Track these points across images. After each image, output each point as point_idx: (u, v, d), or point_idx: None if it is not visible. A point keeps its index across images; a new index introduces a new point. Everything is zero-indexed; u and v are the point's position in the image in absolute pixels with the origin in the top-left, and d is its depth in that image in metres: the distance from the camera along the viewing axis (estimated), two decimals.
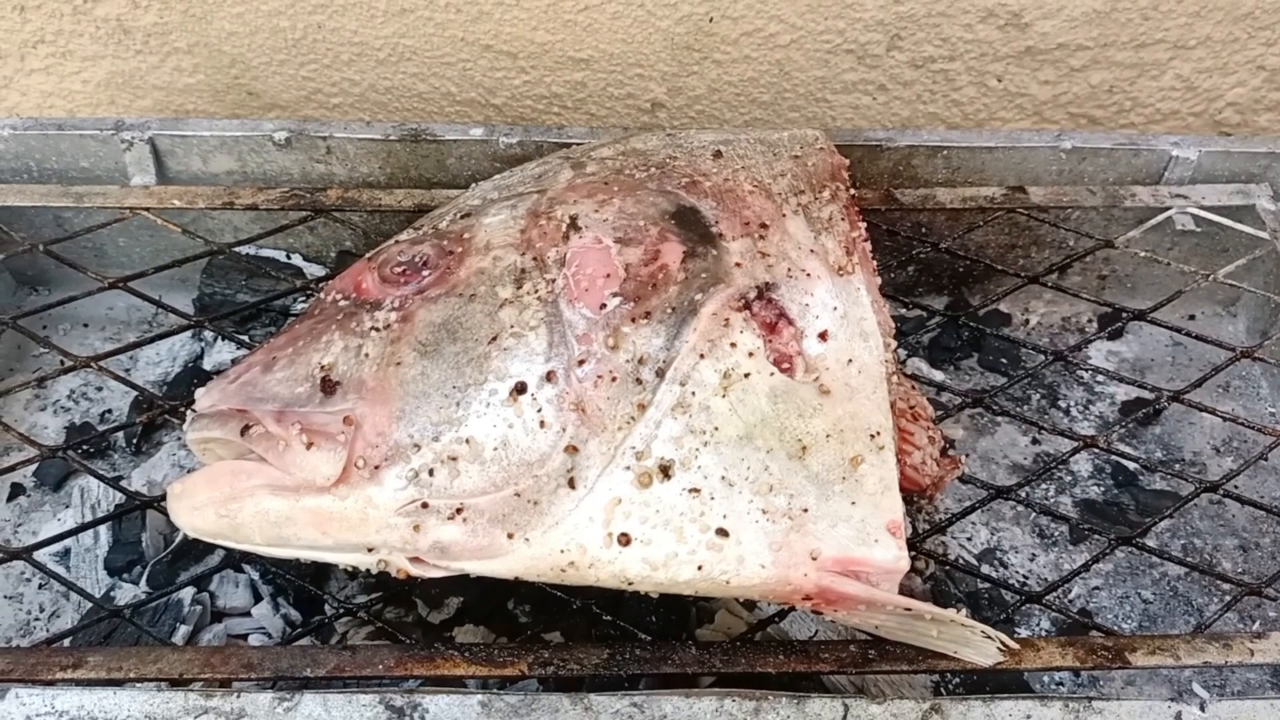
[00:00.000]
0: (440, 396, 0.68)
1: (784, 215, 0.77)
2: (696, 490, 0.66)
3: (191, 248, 0.93)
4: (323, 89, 1.19)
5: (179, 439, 0.99)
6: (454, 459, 0.67)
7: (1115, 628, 0.88)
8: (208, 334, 1.02)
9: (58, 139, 0.98)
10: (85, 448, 0.97)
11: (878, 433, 0.69)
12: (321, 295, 0.78)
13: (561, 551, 0.67)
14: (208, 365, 1.02)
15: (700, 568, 0.66)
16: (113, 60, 1.16)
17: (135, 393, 1.00)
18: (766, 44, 1.15)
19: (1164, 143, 0.99)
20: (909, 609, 0.67)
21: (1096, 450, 0.99)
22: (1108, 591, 0.92)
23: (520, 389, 0.68)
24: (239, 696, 0.65)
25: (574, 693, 0.66)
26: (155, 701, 0.65)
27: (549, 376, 0.68)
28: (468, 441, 0.67)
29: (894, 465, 0.68)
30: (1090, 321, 1.12)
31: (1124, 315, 0.90)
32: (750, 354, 0.69)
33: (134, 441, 0.97)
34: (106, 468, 0.96)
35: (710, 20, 1.13)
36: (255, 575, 0.85)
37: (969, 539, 0.95)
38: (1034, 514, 0.97)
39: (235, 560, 0.85)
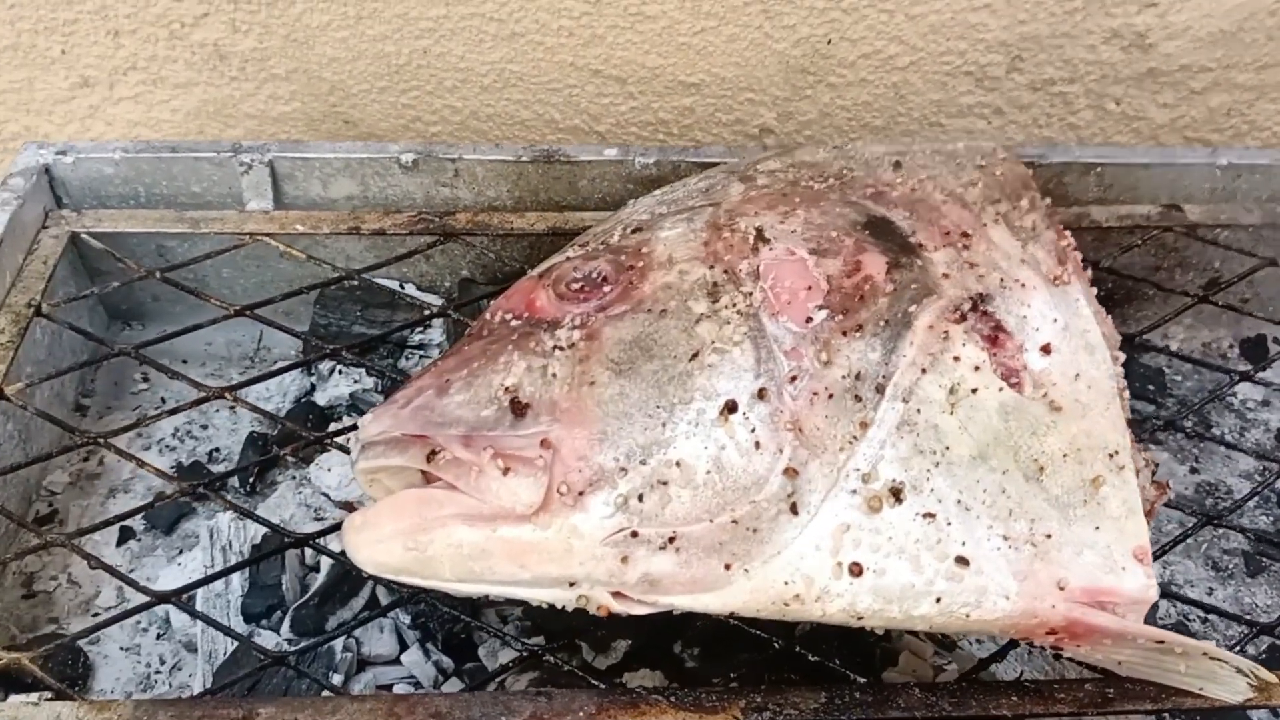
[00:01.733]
0: (644, 417, 0.63)
1: (984, 224, 0.72)
2: (931, 515, 0.61)
3: (308, 277, 0.88)
4: (422, 116, 1.15)
5: (294, 477, 0.93)
6: (664, 483, 0.62)
7: None
8: (323, 367, 0.97)
9: (170, 162, 0.93)
10: (200, 489, 0.91)
11: (1116, 451, 0.64)
12: (487, 316, 0.73)
13: (786, 583, 0.61)
14: (321, 400, 0.96)
15: (939, 600, 0.61)
16: (205, 87, 1.12)
17: (251, 429, 0.96)
18: (884, 66, 1.12)
19: None
20: (1161, 641, 0.62)
21: (1259, 476, 0.95)
22: None
23: (731, 407, 0.63)
24: None
25: None
26: None
27: (760, 394, 0.63)
28: (678, 464, 0.62)
29: (1136, 487, 0.64)
30: (1231, 347, 1.08)
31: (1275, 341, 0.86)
32: (976, 368, 0.65)
33: (250, 482, 0.91)
34: (219, 510, 0.90)
35: (829, 42, 1.10)
36: (406, 619, 0.78)
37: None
38: (1204, 546, 0.92)
39: (379, 603, 0.79)
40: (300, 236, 0.90)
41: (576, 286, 0.71)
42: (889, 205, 0.74)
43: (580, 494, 0.62)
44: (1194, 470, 0.98)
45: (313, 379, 0.98)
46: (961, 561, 0.61)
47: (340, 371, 0.96)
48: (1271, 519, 0.94)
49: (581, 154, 0.94)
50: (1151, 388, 1.02)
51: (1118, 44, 1.10)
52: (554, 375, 0.66)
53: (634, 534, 0.61)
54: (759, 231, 0.71)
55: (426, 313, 0.89)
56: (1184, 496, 0.95)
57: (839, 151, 0.82)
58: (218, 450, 0.96)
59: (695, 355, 0.65)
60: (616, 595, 0.63)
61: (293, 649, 0.67)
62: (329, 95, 1.13)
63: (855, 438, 0.63)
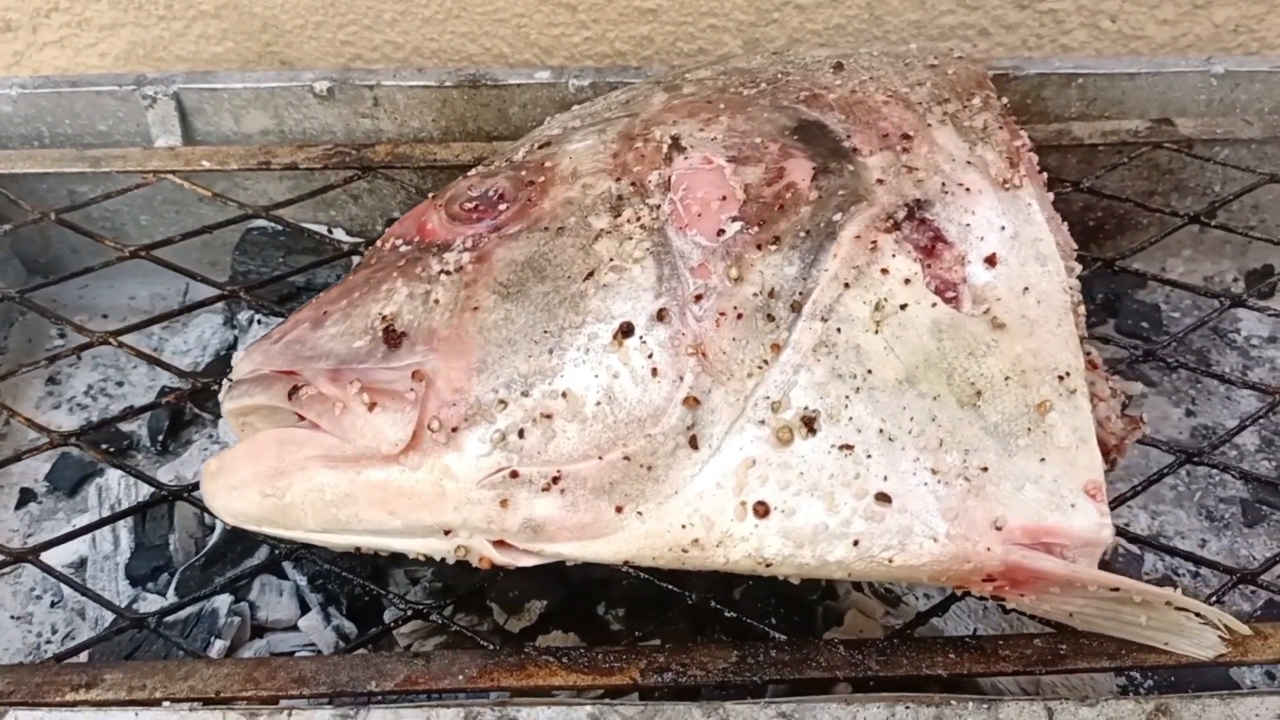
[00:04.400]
0: (529, 344, 0.56)
1: (929, 126, 0.64)
2: (849, 447, 0.54)
3: (224, 217, 0.82)
4: (363, 54, 1.08)
5: (211, 435, 0.87)
6: (548, 417, 0.55)
7: None
8: (242, 318, 0.90)
9: (72, 98, 0.87)
10: (106, 446, 0.85)
11: (1067, 373, 0.56)
12: (379, 244, 0.66)
13: (684, 527, 0.54)
14: None
15: (857, 542, 0.53)
16: (133, 28, 1.06)
17: (161, 384, 0.90)
18: None
19: None
20: (1116, 589, 0.54)
21: (1263, 421, 0.86)
22: None
23: (626, 331, 0.56)
24: (290, 716, 0.52)
25: (709, 701, 0.53)
26: None
27: (660, 315, 0.56)
28: (564, 395, 0.55)
29: (1089, 412, 0.55)
30: (1236, 281, 0.98)
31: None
32: (906, 281, 0.57)
33: (159, 439, 0.85)
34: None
35: None
36: (302, 581, 0.72)
37: (1126, 524, 0.81)
38: (1199, 494, 0.83)
39: (279, 564, 0.73)
40: (208, 174, 0.84)
41: (470, 206, 0.63)
42: (824, 109, 0.66)
43: (454, 430, 0.55)
44: (1190, 413, 0.89)
45: (235, 332, 0.92)
46: (883, 499, 0.53)
47: (260, 323, 0.89)
48: (1275, 463, 0.85)
49: (510, 77, 0.86)
50: (1145, 324, 0.93)
51: None
52: (436, 302, 0.59)
53: (514, 474, 0.54)
54: (675, 140, 0.64)
55: (334, 252, 0.82)
56: (1177, 442, 0.86)
57: (777, 57, 0.74)
58: (133, 408, 0.90)
59: (591, 274, 0.58)
60: (499, 545, 0.56)
61: (153, 611, 0.60)
62: (262, 33, 1.06)
63: (766, 362, 0.55)
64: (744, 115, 0.66)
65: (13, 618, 0.77)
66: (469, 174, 0.68)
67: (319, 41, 1.07)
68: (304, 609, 0.73)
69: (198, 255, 0.98)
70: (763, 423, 0.54)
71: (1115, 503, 0.69)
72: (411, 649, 0.70)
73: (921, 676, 0.57)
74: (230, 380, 0.61)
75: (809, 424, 0.54)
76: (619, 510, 0.54)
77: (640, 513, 0.54)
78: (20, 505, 0.83)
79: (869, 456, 0.54)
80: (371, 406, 0.55)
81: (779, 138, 0.63)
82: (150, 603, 0.71)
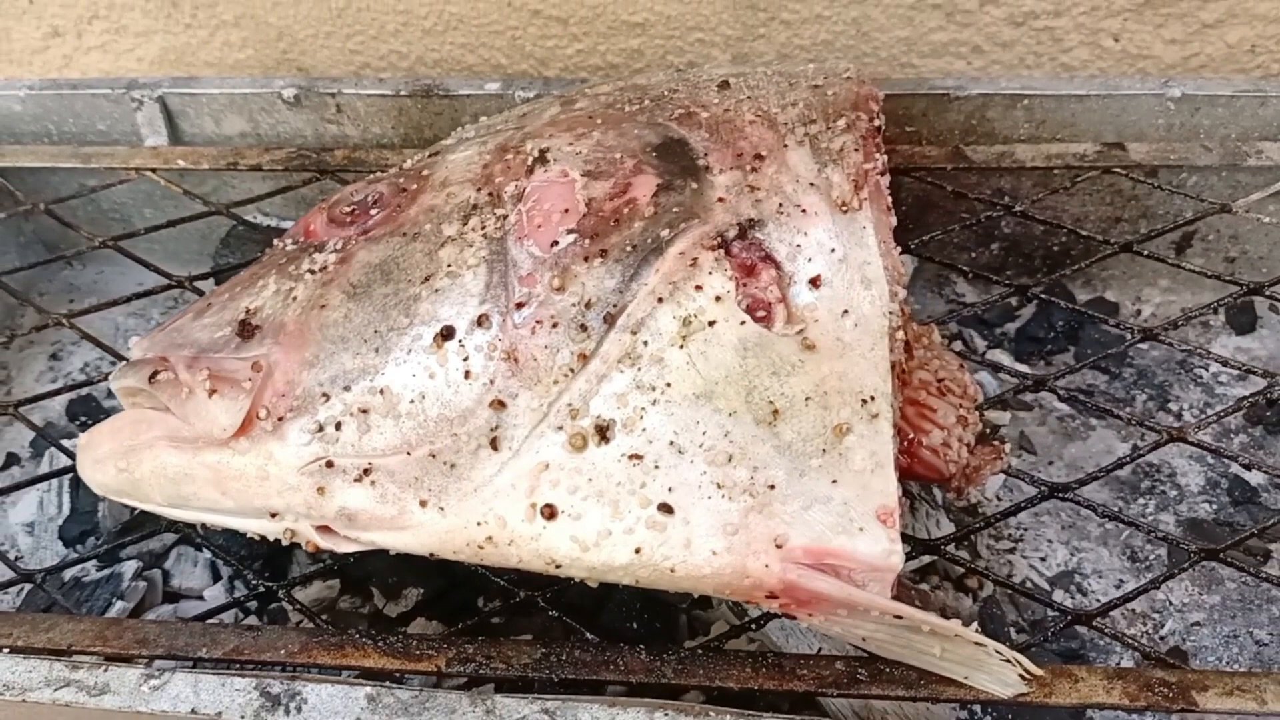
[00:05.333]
0: (359, 341, 0.59)
1: (785, 146, 0.65)
2: (639, 457, 0.55)
3: (190, 212, 0.88)
4: (371, 62, 1.13)
5: None
6: (365, 412, 0.58)
7: None
8: None
9: (72, 99, 0.95)
10: (84, 419, 0.92)
11: (871, 397, 0.56)
12: (276, 242, 0.71)
13: (479, 524, 0.56)
14: None
15: (639, 550, 0.54)
16: (164, 35, 1.14)
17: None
18: (839, 0, 1.03)
19: None
20: (900, 616, 0.53)
21: (1211, 459, 0.83)
22: (1211, 629, 0.75)
23: (447, 334, 0.58)
24: (106, 670, 0.57)
25: (475, 691, 0.55)
26: (17, 670, 0.57)
27: (481, 321, 0.58)
28: (382, 392, 0.58)
29: (889, 437, 0.55)
30: (1216, 313, 0.94)
31: (1242, 288, 0.74)
32: (718, 298, 0.58)
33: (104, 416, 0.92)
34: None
35: None
36: (206, 556, 0.77)
37: (1042, 559, 0.79)
38: (1125, 534, 0.80)
39: (184, 533, 0.78)
40: (182, 172, 0.90)
41: (348, 210, 0.67)
42: (692, 127, 0.67)
43: (280, 420, 0.59)
44: (1136, 448, 0.85)
45: None
46: (665, 509, 0.54)
47: None
48: (1216, 506, 0.81)
49: (462, 88, 0.90)
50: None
51: None
52: (294, 298, 0.63)
53: (329, 464, 0.58)
54: (542, 153, 0.66)
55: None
56: (1116, 478, 0.83)
57: (677, 75, 0.75)
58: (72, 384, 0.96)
59: (428, 279, 0.61)
60: (324, 530, 0.60)
61: (42, 569, 0.66)
62: (278, 41, 1.13)
63: (572, 370, 0.57)
64: (616, 131, 0.67)
65: None
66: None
67: (330, 50, 1.13)
68: (217, 578, 0.78)
69: (198, 247, 1.05)
70: (560, 429, 0.56)
71: (962, 535, 0.68)
72: (300, 624, 0.74)
73: (712, 688, 0.58)
74: (124, 362, 0.66)
75: (603, 432, 0.56)
76: (423, 504, 0.57)
77: (442, 508, 0.57)
78: (4, 468, 0.91)
79: (657, 467, 0.55)
80: (212, 393, 0.60)
81: (638, 154, 0.65)
82: (83, 567, 0.78)
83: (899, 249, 0.63)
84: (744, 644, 0.71)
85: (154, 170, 0.90)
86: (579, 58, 1.10)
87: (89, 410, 0.93)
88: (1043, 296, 0.76)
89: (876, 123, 0.67)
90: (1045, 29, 1.03)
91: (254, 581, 0.66)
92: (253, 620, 0.76)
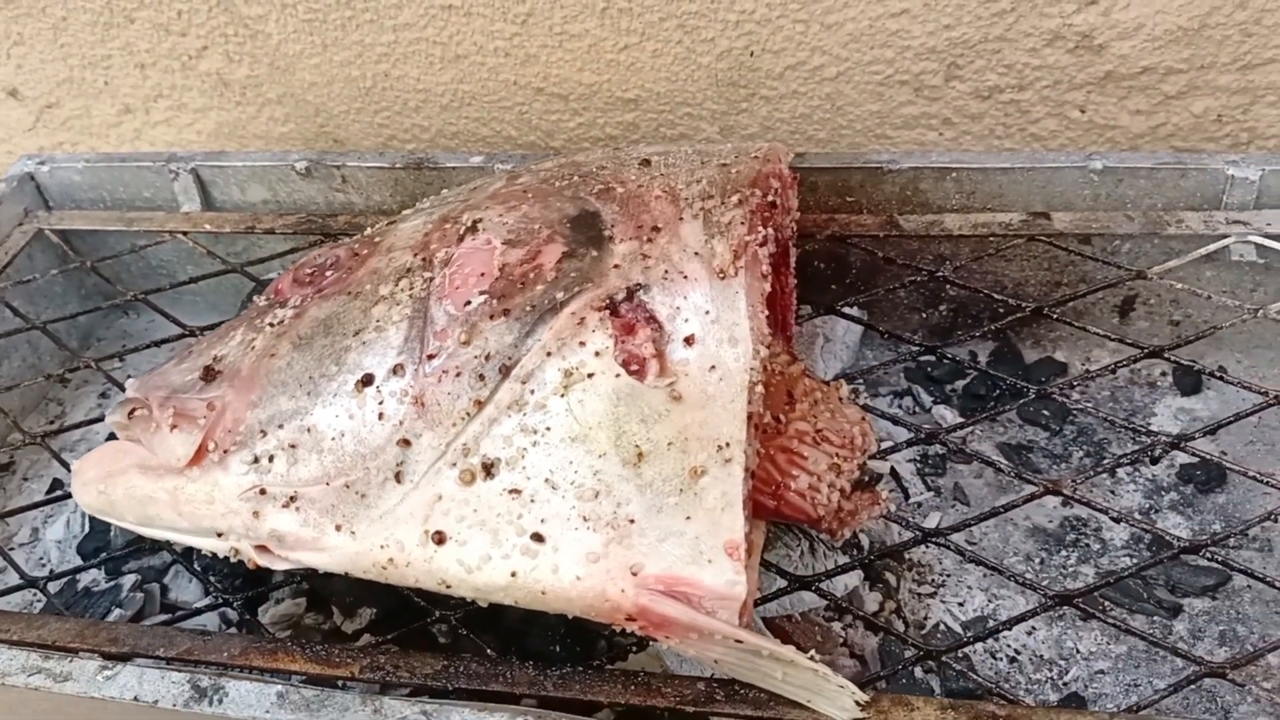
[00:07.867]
0: (296, 386, 0.69)
1: (681, 219, 0.72)
2: (518, 491, 0.63)
3: (210, 270, 1.00)
4: (397, 135, 1.25)
5: None
6: (294, 446, 0.67)
7: None
8: None
9: (121, 170, 1.08)
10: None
11: (727, 444, 0.62)
12: (254, 298, 0.81)
13: (381, 547, 0.65)
14: None
15: (514, 574, 0.62)
16: (218, 112, 1.28)
17: None
18: (813, 77, 1.10)
19: (1218, 161, 0.86)
20: (740, 641, 0.60)
21: (1139, 516, 0.86)
22: (1114, 677, 0.78)
23: (367, 380, 0.67)
24: (71, 661, 0.67)
25: (367, 693, 0.63)
26: (1, 659, 0.67)
27: (396, 369, 0.67)
28: (309, 430, 0.67)
29: (740, 480, 0.61)
30: (1164, 375, 0.97)
31: (1140, 351, 0.78)
32: (597, 353, 0.65)
33: None
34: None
35: (751, 54, 1.10)
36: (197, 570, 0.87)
37: (960, 604, 0.84)
38: (1046, 581, 0.84)
39: (172, 550, 0.88)
40: (208, 234, 1.02)
41: (309, 271, 0.77)
42: (608, 200, 0.75)
43: (225, 452, 0.68)
44: (1066, 503, 0.89)
45: None
46: (537, 538, 0.62)
47: None
48: (1134, 561, 0.84)
49: (449, 160, 1.00)
50: (1046, 412, 0.94)
51: (1062, 46, 1.03)
52: (253, 348, 0.73)
53: (262, 491, 0.67)
54: (475, 223, 0.75)
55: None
56: (1042, 531, 0.87)
57: (612, 152, 0.83)
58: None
59: (359, 332, 0.70)
60: (260, 549, 0.69)
61: (45, 576, 0.77)
62: (315, 116, 1.25)
63: (469, 414, 0.65)
64: (543, 204, 0.76)
65: None
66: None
67: (360, 124, 1.25)
68: (208, 593, 0.88)
69: (232, 299, 1.17)
70: (454, 465, 0.64)
71: (835, 572, 0.73)
72: (245, 632, 0.83)
73: (582, 703, 0.64)
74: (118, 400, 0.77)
75: (489, 469, 0.63)
76: (338, 529, 0.66)
77: (353, 532, 0.65)
78: (50, 491, 1.03)
79: (533, 501, 0.62)
80: (173, 427, 0.70)
81: (554, 225, 0.73)
82: (91, 576, 0.89)
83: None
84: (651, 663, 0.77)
85: (185, 233, 1.02)
86: (581, 130, 1.20)
87: None
88: (979, 367, 0.81)
89: (771, 198, 0.74)
90: (1011, 101, 1.08)
91: (228, 597, 0.76)
92: (233, 631, 0.85)
